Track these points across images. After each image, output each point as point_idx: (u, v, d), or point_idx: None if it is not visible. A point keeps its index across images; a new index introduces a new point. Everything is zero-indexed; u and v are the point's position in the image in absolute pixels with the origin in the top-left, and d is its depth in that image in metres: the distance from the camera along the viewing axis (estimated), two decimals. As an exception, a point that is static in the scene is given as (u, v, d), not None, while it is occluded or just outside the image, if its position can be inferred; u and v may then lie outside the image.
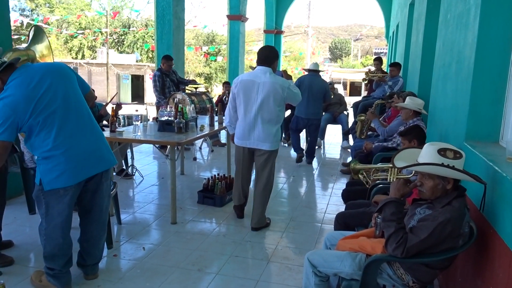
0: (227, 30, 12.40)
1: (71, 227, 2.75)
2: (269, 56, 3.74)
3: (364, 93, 28.44)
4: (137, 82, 29.05)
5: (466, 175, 1.97)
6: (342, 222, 2.96)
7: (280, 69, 9.83)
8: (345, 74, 34.64)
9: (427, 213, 2.02)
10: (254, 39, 38.21)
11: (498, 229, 1.93)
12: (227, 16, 12.10)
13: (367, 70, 11.49)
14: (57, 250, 2.68)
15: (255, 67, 3.84)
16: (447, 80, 3.46)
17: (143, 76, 28.01)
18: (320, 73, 6.93)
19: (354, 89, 34.04)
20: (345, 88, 31.88)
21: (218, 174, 4.73)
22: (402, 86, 7.08)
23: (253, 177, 4.11)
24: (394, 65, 7.45)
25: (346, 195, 3.62)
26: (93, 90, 3.04)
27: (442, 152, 2.02)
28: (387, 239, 2.01)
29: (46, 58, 3.31)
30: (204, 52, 25.11)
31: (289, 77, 3.89)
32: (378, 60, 8.53)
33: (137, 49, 33.30)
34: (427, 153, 2.07)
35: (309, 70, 6.68)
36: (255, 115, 3.64)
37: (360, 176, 3.84)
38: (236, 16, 11.96)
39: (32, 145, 2.56)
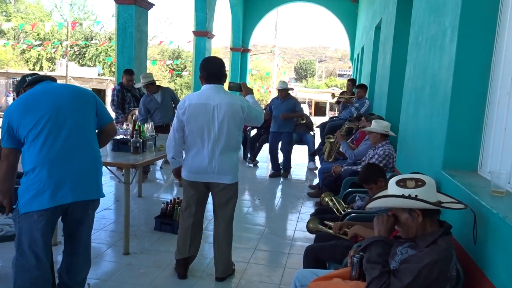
0: (193, 46, 12.16)
1: (50, 258, 2.45)
2: (221, 70, 3.13)
3: (329, 113, 28.93)
4: (98, 96, 28.15)
5: (425, 203, 1.78)
6: (312, 256, 2.71)
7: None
8: (310, 94, 35.11)
9: (410, 254, 1.80)
10: (221, 57, 38.16)
11: (487, 272, 1.73)
12: (193, 32, 11.88)
13: (332, 92, 11.58)
14: (29, 284, 2.32)
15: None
16: (420, 104, 3.34)
17: (104, 90, 27.15)
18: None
19: (318, 109, 34.54)
20: (310, 108, 32.25)
21: (178, 198, 4.37)
22: (369, 107, 7.05)
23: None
24: (361, 87, 7.43)
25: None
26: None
27: (401, 183, 1.90)
28: (368, 283, 1.76)
29: None
30: (169, 68, 24.68)
31: (249, 91, 3.47)
32: (351, 81, 8.55)
33: (99, 62, 32.36)
34: (390, 188, 1.95)
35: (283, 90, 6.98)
36: (214, 144, 3.03)
37: (330, 202, 3.65)
38: (202, 33, 11.77)
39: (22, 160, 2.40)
